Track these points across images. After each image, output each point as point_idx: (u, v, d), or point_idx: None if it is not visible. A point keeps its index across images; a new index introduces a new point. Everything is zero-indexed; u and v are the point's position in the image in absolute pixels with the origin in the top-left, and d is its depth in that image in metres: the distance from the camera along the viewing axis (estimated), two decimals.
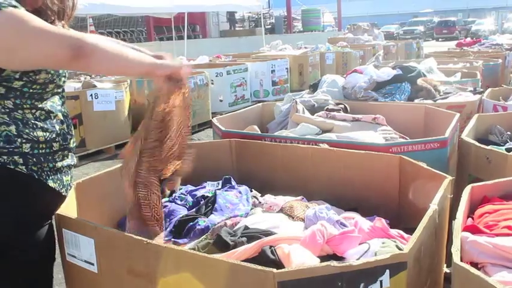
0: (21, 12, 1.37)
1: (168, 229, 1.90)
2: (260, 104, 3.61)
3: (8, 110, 1.46)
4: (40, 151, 1.52)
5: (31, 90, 1.49)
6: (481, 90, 3.95)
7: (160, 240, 1.61)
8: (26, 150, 1.48)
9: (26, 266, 1.56)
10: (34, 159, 1.50)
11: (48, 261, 1.65)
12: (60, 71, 1.57)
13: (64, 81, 1.63)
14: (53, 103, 1.59)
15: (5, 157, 1.45)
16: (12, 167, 1.46)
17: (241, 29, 23.73)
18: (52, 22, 1.56)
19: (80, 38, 1.37)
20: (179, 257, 1.32)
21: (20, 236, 1.52)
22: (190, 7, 14.20)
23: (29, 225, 1.54)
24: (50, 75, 1.53)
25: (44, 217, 1.59)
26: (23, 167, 1.48)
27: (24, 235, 1.53)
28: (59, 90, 1.63)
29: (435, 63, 5.04)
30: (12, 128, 1.46)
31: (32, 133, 1.49)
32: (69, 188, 1.66)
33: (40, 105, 1.54)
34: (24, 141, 1.48)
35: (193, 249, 1.61)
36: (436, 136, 2.39)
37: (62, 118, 1.62)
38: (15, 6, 1.36)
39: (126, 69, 1.61)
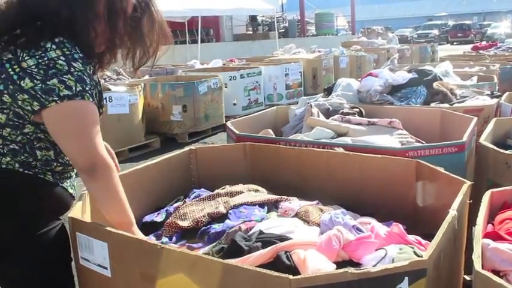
0: (92, 113, 1.48)
1: (177, 235, 1.89)
2: (274, 107, 3.59)
3: (49, 137, 1.52)
4: (67, 169, 1.63)
5: None
6: (499, 94, 3.88)
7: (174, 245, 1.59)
8: (57, 170, 1.59)
9: (50, 266, 1.57)
10: (58, 175, 1.61)
11: (69, 260, 1.67)
12: (101, 110, 1.62)
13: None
14: None
15: (37, 170, 1.55)
16: (42, 176, 1.56)
17: (251, 33, 23.76)
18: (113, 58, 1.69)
19: (103, 164, 1.47)
20: (194, 262, 1.31)
21: (50, 240, 1.56)
22: (203, 11, 14.26)
23: (57, 228, 1.60)
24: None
25: (58, 217, 1.64)
26: (50, 177, 1.58)
27: (53, 239, 1.58)
28: None
29: (451, 67, 4.98)
30: (51, 153, 1.56)
31: (65, 157, 1.58)
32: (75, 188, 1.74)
33: None
34: (58, 164, 1.58)
35: (208, 254, 1.60)
36: (453, 140, 2.36)
37: None
38: (93, 98, 1.47)
39: (111, 215, 1.58)
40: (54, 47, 1.43)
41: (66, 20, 1.46)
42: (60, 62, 1.42)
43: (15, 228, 1.51)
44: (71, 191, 1.66)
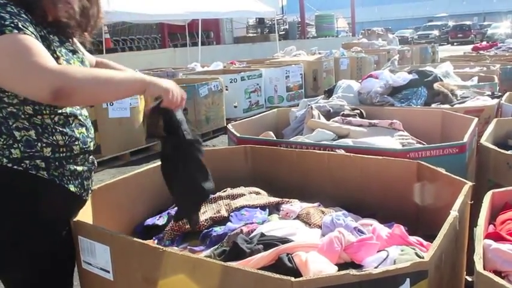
0: (21, 40, 1.34)
1: (178, 238, 1.89)
2: (275, 110, 3.60)
3: (27, 116, 1.48)
4: (61, 154, 1.54)
5: None
6: (499, 94, 3.88)
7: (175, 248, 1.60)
8: (48, 154, 1.51)
9: (50, 270, 1.57)
10: (56, 162, 1.53)
11: (71, 264, 1.66)
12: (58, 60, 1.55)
13: None
14: (72, 107, 1.60)
15: (27, 161, 1.48)
16: (34, 172, 1.49)
17: (255, 35, 23.77)
18: (73, 33, 1.61)
19: (60, 77, 1.33)
20: (195, 265, 1.31)
21: (45, 241, 1.54)
22: (204, 14, 14.27)
23: (52, 230, 1.56)
24: None
25: (66, 221, 1.60)
26: (45, 172, 1.51)
27: (48, 240, 1.55)
28: None
29: (451, 68, 4.98)
30: (32, 132, 1.49)
31: (51, 137, 1.51)
32: (90, 191, 1.69)
33: (60, 111, 1.55)
34: (44, 145, 1.50)
35: (210, 256, 1.60)
36: (454, 141, 2.36)
37: (82, 121, 1.63)
38: (19, 29, 1.35)
39: (116, 94, 1.56)
40: None
41: None
42: None
43: (10, 232, 1.49)
44: (73, 189, 1.58)
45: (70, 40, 1.64)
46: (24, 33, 1.35)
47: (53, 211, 1.55)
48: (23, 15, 1.41)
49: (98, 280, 1.54)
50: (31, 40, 1.35)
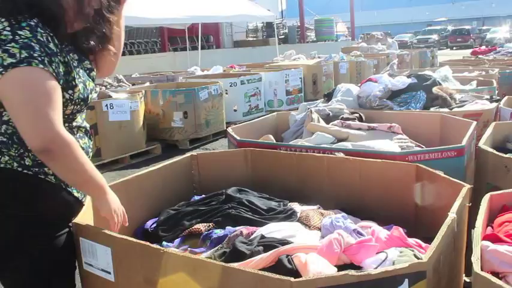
0: (42, 82, 1.37)
1: (179, 239, 1.90)
2: (275, 113, 3.61)
3: None
4: None
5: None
6: (498, 98, 3.90)
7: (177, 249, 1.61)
8: None
9: (53, 271, 1.58)
10: None
11: (73, 265, 1.67)
12: (88, 100, 1.61)
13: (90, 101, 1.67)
14: (77, 121, 1.66)
15: (37, 169, 1.52)
16: (42, 176, 1.53)
17: (254, 39, 23.81)
18: (88, 42, 1.64)
19: (58, 144, 1.37)
20: (196, 265, 1.32)
21: (50, 242, 1.57)
22: (204, 18, 14.29)
23: (58, 231, 1.59)
24: (78, 107, 1.59)
25: (67, 222, 1.62)
26: (52, 177, 1.55)
27: (51, 242, 1.57)
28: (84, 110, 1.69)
29: (450, 72, 5.00)
30: None
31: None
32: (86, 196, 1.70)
33: (66, 124, 1.57)
34: None
35: (210, 258, 1.61)
36: (453, 145, 2.37)
37: (84, 133, 1.68)
38: (45, 65, 1.38)
39: (81, 189, 1.60)
40: (2, 19, 1.40)
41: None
42: (4, 32, 1.37)
43: (14, 233, 1.51)
44: (77, 194, 1.64)
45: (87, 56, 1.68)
46: (48, 71, 1.38)
47: (58, 214, 1.59)
48: (51, 45, 1.44)
49: (99, 281, 1.55)
50: (51, 84, 1.38)
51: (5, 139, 1.49)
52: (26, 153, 1.50)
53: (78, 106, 1.58)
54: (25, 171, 1.50)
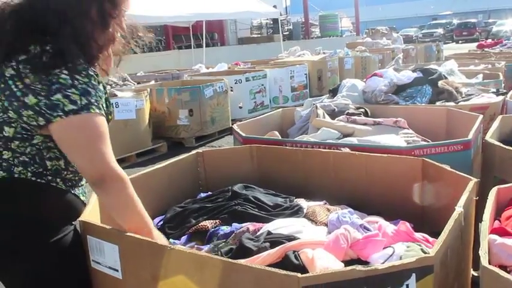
0: (100, 125, 1.46)
1: (186, 236, 1.91)
2: (280, 109, 3.61)
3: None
4: (76, 177, 1.64)
5: None
6: (504, 91, 3.88)
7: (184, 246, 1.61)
8: (68, 177, 1.60)
9: (62, 274, 1.59)
10: (70, 183, 1.62)
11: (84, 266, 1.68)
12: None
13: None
14: None
15: (50, 177, 1.55)
16: (54, 184, 1.57)
17: (259, 35, 23.78)
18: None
19: (114, 177, 1.45)
20: (204, 262, 1.32)
21: (60, 246, 1.56)
22: (208, 15, 14.28)
23: (68, 234, 1.59)
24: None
25: (72, 225, 1.64)
26: (62, 185, 1.59)
27: (63, 245, 1.57)
28: None
29: (456, 65, 4.98)
30: (61, 162, 1.57)
31: (75, 166, 1.57)
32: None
33: None
34: (69, 172, 1.60)
35: (216, 254, 1.61)
36: (459, 138, 2.36)
37: None
38: (100, 109, 1.46)
39: (128, 225, 1.56)
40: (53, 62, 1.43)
41: (69, 37, 1.46)
42: (63, 76, 1.41)
43: (27, 235, 1.51)
44: (82, 198, 1.67)
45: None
46: (101, 114, 1.47)
47: (65, 217, 1.61)
48: (100, 86, 1.52)
49: (107, 279, 1.55)
50: (105, 125, 1.49)
51: (27, 159, 1.52)
52: (44, 172, 1.54)
53: None
54: (38, 180, 1.53)
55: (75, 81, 1.42)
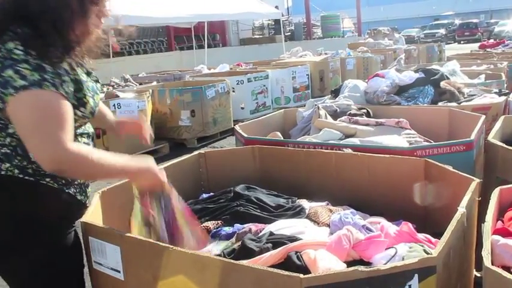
0: (53, 104, 1.37)
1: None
2: (282, 110, 3.61)
3: None
4: None
5: None
6: (507, 91, 3.87)
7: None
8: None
9: (60, 274, 1.59)
10: (63, 180, 1.57)
11: (80, 267, 1.67)
12: (96, 113, 1.61)
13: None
14: (81, 128, 1.64)
15: (38, 177, 1.51)
16: (44, 182, 1.52)
17: (261, 36, 23.79)
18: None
19: (69, 162, 1.36)
20: (206, 263, 1.32)
21: (53, 245, 1.56)
22: (210, 16, 14.30)
23: (61, 234, 1.59)
24: (86, 120, 1.59)
25: (72, 227, 1.63)
26: (53, 182, 1.54)
27: (56, 244, 1.57)
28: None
29: (458, 66, 4.97)
30: None
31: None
32: (89, 198, 1.73)
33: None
34: None
35: (219, 255, 1.61)
36: (462, 139, 2.36)
37: (87, 138, 1.68)
38: (56, 87, 1.37)
39: (105, 176, 1.57)
40: (16, 37, 1.37)
41: (49, 23, 1.42)
42: (17, 51, 1.35)
43: (17, 237, 1.50)
44: (79, 197, 1.63)
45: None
46: (58, 93, 1.38)
47: (60, 217, 1.58)
48: (63, 64, 1.45)
49: (109, 280, 1.55)
50: (61, 105, 1.38)
51: (8, 151, 1.48)
52: (28, 165, 1.49)
53: (87, 119, 1.59)
54: (26, 177, 1.49)
55: (29, 57, 1.35)
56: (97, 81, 1.68)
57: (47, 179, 1.53)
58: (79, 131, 1.63)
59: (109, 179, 1.58)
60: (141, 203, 1.58)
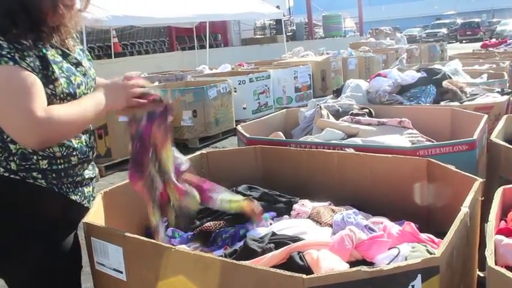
0: (15, 77, 1.34)
1: (186, 235, 1.90)
2: (284, 110, 3.60)
3: None
4: (59, 166, 1.54)
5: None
6: (509, 90, 3.86)
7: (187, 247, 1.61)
8: (44, 167, 1.51)
9: (54, 276, 1.58)
10: (53, 174, 1.53)
11: (76, 269, 1.67)
12: (77, 95, 1.55)
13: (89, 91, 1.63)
14: None
15: (24, 174, 1.48)
16: (31, 181, 1.49)
17: (262, 36, 23.79)
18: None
19: (46, 129, 1.35)
20: (208, 264, 1.32)
21: (46, 248, 1.55)
22: (211, 16, 14.32)
23: (53, 237, 1.57)
24: (65, 102, 1.51)
25: (68, 228, 1.62)
26: (43, 181, 1.51)
27: (49, 247, 1.56)
28: None
29: (460, 65, 4.96)
30: None
31: (47, 149, 1.50)
32: (91, 198, 1.69)
33: None
34: (40, 157, 1.50)
35: (221, 256, 1.61)
36: (464, 138, 2.35)
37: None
38: (15, 61, 1.35)
39: (88, 122, 1.57)
40: None
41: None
42: None
43: (6, 240, 1.49)
44: (73, 197, 1.59)
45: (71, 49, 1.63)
46: (20, 66, 1.35)
47: (52, 219, 1.55)
48: (22, 40, 1.41)
49: (111, 281, 1.55)
50: (24, 77, 1.35)
51: None
52: (10, 157, 1.47)
53: (65, 101, 1.51)
54: (12, 176, 1.47)
55: None
56: (78, 64, 1.61)
57: (34, 174, 1.49)
58: None
59: (90, 122, 1.56)
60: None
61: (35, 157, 1.49)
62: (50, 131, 1.36)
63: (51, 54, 1.51)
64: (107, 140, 5.73)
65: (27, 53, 1.40)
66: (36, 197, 1.51)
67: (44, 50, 1.48)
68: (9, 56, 1.35)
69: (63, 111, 1.41)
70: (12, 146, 1.46)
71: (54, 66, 1.48)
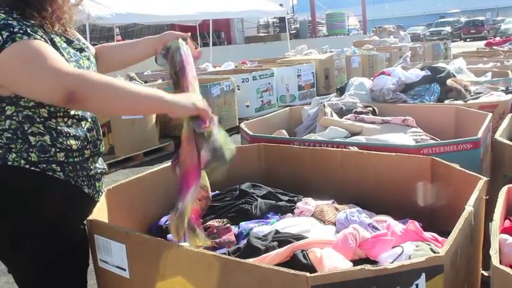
0: (33, 46, 1.37)
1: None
2: (287, 108, 3.60)
3: (42, 119, 1.51)
4: (75, 159, 1.58)
5: None
6: None
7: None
8: (61, 159, 1.54)
9: (63, 271, 1.58)
10: (70, 167, 1.57)
11: (84, 266, 1.67)
12: (91, 68, 1.60)
13: None
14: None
15: (44, 165, 1.51)
16: (50, 173, 1.52)
17: (266, 34, 23.76)
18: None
19: (75, 80, 1.34)
20: (212, 261, 1.32)
21: (60, 241, 1.57)
22: (215, 14, 14.31)
23: (67, 230, 1.59)
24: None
25: (80, 222, 1.62)
26: (61, 173, 1.54)
27: (63, 240, 1.57)
28: None
29: (464, 64, 4.94)
30: (47, 138, 1.51)
31: (65, 142, 1.54)
32: (100, 193, 1.71)
33: (72, 112, 1.58)
34: (58, 150, 1.53)
35: (224, 254, 1.60)
36: (468, 137, 2.34)
37: (91, 124, 1.65)
38: (29, 35, 1.38)
39: (132, 108, 1.54)
40: None
41: None
42: None
43: (21, 230, 1.51)
44: (87, 190, 1.63)
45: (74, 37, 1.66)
46: (35, 39, 1.38)
47: (69, 212, 1.59)
48: (28, 21, 1.44)
49: (115, 278, 1.55)
50: (42, 45, 1.39)
51: (9, 135, 1.48)
52: (30, 149, 1.49)
53: None
54: (32, 168, 1.50)
55: None
56: (82, 49, 1.64)
57: (53, 166, 1.52)
58: (81, 112, 1.61)
59: (137, 107, 1.50)
60: None
61: (53, 149, 1.52)
62: (78, 84, 1.33)
63: (58, 40, 1.54)
64: (110, 138, 5.73)
65: (36, 29, 1.43)
66: (55, 189, 1.54)
67: (51, 36, 1.51)
68: (21, 31, 1.37)
69: (105, 77, 1.39)
70: (32, 138, 1.49)
71: (63, 51, 1.52)
